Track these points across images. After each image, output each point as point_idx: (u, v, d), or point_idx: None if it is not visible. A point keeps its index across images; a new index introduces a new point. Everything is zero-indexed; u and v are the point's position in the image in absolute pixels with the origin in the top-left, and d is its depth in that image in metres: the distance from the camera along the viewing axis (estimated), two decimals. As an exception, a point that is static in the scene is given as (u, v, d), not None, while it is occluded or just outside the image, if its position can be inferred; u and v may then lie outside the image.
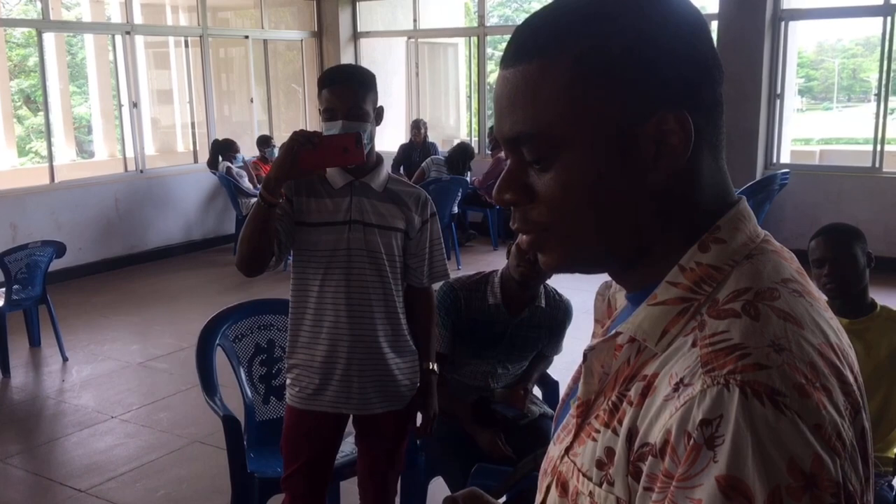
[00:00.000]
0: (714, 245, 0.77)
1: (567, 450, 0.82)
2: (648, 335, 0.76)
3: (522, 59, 0.77)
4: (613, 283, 0.88)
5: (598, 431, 0.77)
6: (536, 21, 0.78)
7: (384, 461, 2.66)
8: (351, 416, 2.61)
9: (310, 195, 2.46)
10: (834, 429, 0.66)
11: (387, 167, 2.59)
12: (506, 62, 0.79)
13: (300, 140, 2.24)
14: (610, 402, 0.77)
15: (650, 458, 0.69)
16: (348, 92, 2.39)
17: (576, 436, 0.81)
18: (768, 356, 0.67)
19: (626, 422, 0.74)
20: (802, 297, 0.75)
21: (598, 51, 0.75)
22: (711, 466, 0.64)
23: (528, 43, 0.77)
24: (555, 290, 3.07)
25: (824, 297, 0.82)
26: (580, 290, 3.23)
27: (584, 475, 0.78)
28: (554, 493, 0.83)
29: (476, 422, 2.92)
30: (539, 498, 0.87)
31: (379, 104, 2.49)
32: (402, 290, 2.57)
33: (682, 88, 0.76)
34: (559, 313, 3.03)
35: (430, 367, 2.63)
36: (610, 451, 0.75)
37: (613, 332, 0.80)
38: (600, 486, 0.75)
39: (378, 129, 2.52)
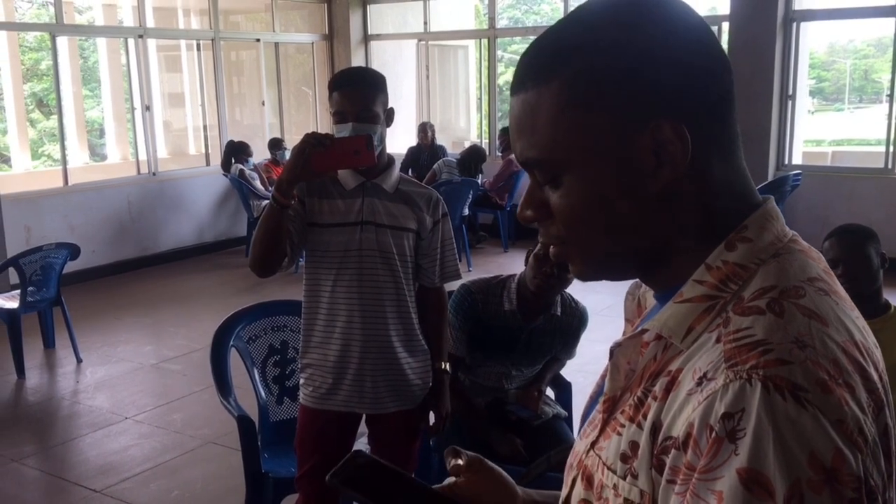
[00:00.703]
0: (741, 244, 0.78)
1: (593, 444, 0.83)
2: (674, 332, 0.77)
3: (522, 86, 0.81)
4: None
5: (623, 426, 0.78)
6: (534, 48, 0.82)
7: (397, 461, 2.66)
8: (364, 416, 2.62)
9: (322, 196, 2.48)
10: (856, 424, 0.67)
11: (398, 168, 2.60)
12: (512, 89, 0.83)
13: (311, 142, 2.26)
14: (636, 398, 0.78)
15: (673, 450, 0.71)
16: (358, 94, 2.41)
17: (601, 431, 0.83)
18: (791, 352, 0.68)
19: (650, 416, 0.75)
20: (828, 296, 0.76)
21: (587, 72, 0.77)
22: (733, 459, 0.65)
23: (526, 71, 0.81)
24: (571, 296, 3.07)
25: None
26: (594, 292, 3.23)
27: (608, 468, 0.79)
28: (579, 486, 0.84)
29: (491, 424, 2.93)
30: (565, 491, 0.88)
31: (389, 106, 2.50)
32: (414, 291, 2.58)
33: (679, 96, 0.77)
34: (574, 320, 3.04)
35: (443, 366, 2.64)
36: (634, 445, 0.76)
37: (640, 329, 0.81)
38: (624, 478, 0.77)
39: (388, 130, 2.53)
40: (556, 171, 0.80)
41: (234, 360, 3.16)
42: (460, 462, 1.05)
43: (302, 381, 2.59)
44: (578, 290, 3.18)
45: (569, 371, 3.32)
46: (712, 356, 0.72)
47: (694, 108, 0.77)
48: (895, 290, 3.85)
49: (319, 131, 2.37)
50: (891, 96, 7.71)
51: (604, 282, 0.88)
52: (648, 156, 0.76)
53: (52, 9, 7.81)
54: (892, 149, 7.67)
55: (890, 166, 7.69)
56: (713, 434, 0.67)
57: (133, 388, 5.15)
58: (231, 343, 3.16)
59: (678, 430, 0.70)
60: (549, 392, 3.27)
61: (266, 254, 2.40)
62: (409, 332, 2.56)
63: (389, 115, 2.50)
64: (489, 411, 3.00)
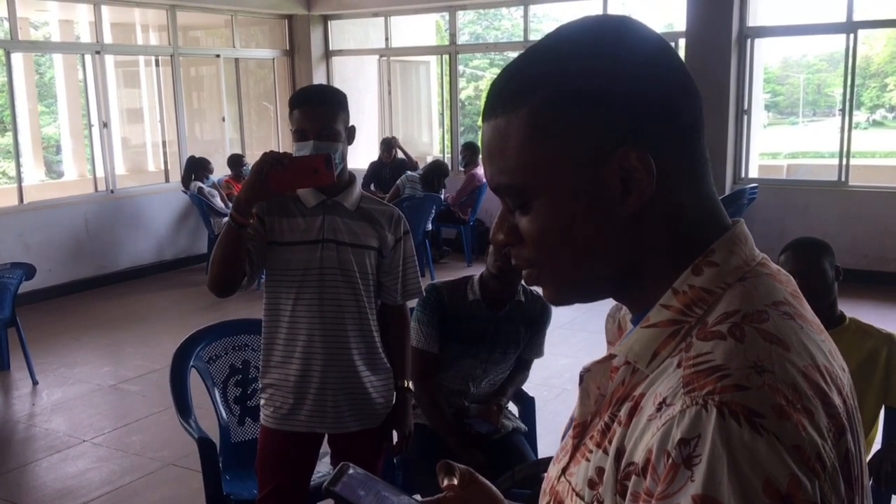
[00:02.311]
0: (707, 268, 0.78)
1: (564, 470, 0.83)
2: (639, 357, 0.77)
3: (493, 113, 0.82)
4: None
5: (591, 452, 0.79)
6: (504, 76, 0.82)
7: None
8: (326, 436, 2.59)
9: (282, 214, 2.46)
10: (814, 450, 0.67)
11: (359, 186, 2.60)
12: (483, 116, 0.84)
13: (269, 161, 2.24)
14: (603, 423, 0.79)
15: (634, 476, 0.71)
16: (319, 112, 2.40)
17: (572, 456, 0.83)
18: (749, 377, 0.68)
19: (615, 441, 0.75)
20: (793, 320, 0.76)
21: (554, 100, 0.78)
22: (689, 485, 0.65)
23: (497, 98, 0.82)
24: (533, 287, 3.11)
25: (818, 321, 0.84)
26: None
27: (577, 495, 0.79)
28: None
29: (458, 439, 2.92)
30: None
31: (351, 124, 2.50)
32: (376, 309, 2.57)
33: (645, 124, 0.77)
34: (537, 305, 3.08)
35: (405, 384, 2.63)
36: (600, 471, 0.76)
37: (608, 354, 0.82)
38: None
39: (351, 146, 2.53)
40: (524, 197, 0.81)
41: (195, 381, 3.12)
42: (454, 482, 1.04)
43: (262, 401, 2.56)
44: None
45: (532, 385, 3.33)
46: (672, 381, 0.72)
47: (660, 135, 0.78)
48: (850, 302, 3.93)
49: (281, 147, 2.36)
50: (843, 110, 7.89)
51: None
52: (616, 182, 0.77)
53: (6, 24, 7.69)
54: (845, 161, 7.83)
55: (843, 179, 7.86)
56: (670, 460, 0.67)
57: (91, 410, 5.05)
58: (191, 363, 3.12)
59: (639, 456, 0.71)
60: (513, 407, 3.28)
61: (224, 273, 2.37)
62: (371, 350, 2.55)
63: (351, 133, 2.49)
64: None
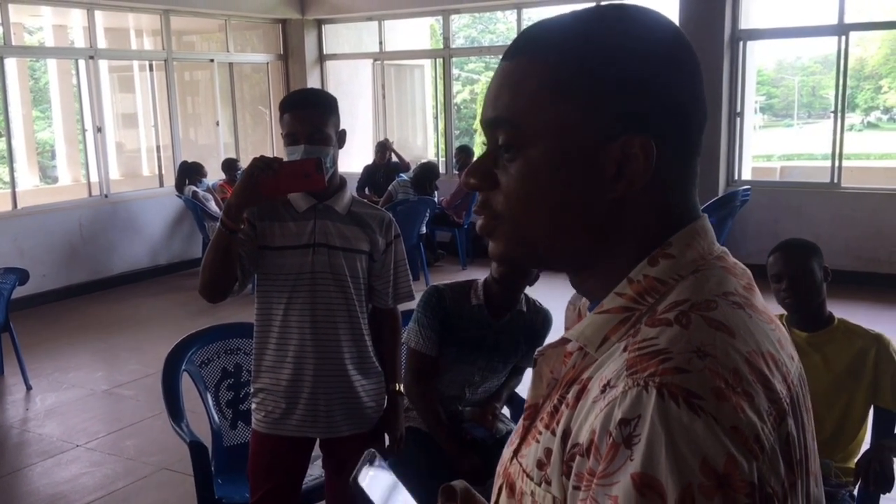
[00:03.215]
0: (663, 260, 0.80)
1: (515, 452, 0.85)
2: (589, 341, 0.79)
3: (518, 52, 0.82)
4: None
5: (540, 433, 0.80)
6: (543, 25, 0.84)
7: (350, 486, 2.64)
8: (317, 440, 2.60)
9: (273, 219, 2.46)
10: (752, 431, 0.68)
11: (351, 189, 2.60)
12: (504, 56, 0.84)
13: (260, 166, 2.24)
14: (552, 405, 0.80)
15: (578, 457, 0.72)
16: (310, 116, 2.40)
17: (523, 438, 0.84)
18: (690, 361, 0.70)
19: (562, 423, 0.76)
20: (742, 309, 0.77)
21: (574, 67, 0.79)
22: (628, 464, 0.67)
23: (528, 41, 0.83)
24: (536, 299, 3.11)
25: (773, 313, 0.85)
26: (558, 310, 3.28)
27: (527, 475, 0.80)
28: (504, 494, 0.85)
29: (453, 443, 2.92)
30: (493, 500, 0.89)
31: (341, 128, 2.50)
32: (368, 312, 2.58)
33: (654, 114, 0.79)
34: (538, 318, 3.07)
35: (397, 388, 2.64)
36: (548, 452, 0.78)
37: (561, 338, 0.83)
38: (539, 485, 0.78)
39: (344, 150, 2.53)
40: (518, 140, 0.81)
41: (188, 385, 3.12)
42: None
43: (254, 406, 2.56)
44: (545, 299, 3.20)
45: (526, 388, 3.33)
46: (617, 364, 0.74)
47: (665, 129, 0.79)
48: (841, 303, 3.95)
49: (276, 152, 2.36)
50: (836, 112, 7.92)
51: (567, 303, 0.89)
52: (611, 165, 0.78)
53: (0, 29, 7.69)
54: (837, 163, 7.86)
55: (836, 181, 7.88)
56: (611, 439, 0.68)
57: (84, 415, 5.05)
58: (183, 367, 3.12)
59: (583, 437, 0.72)
60: (505, 410, 3.28)
61: (215, 279, 2.37)
62: (363, 354, 2.55)
63: (341, 137, 2.49)
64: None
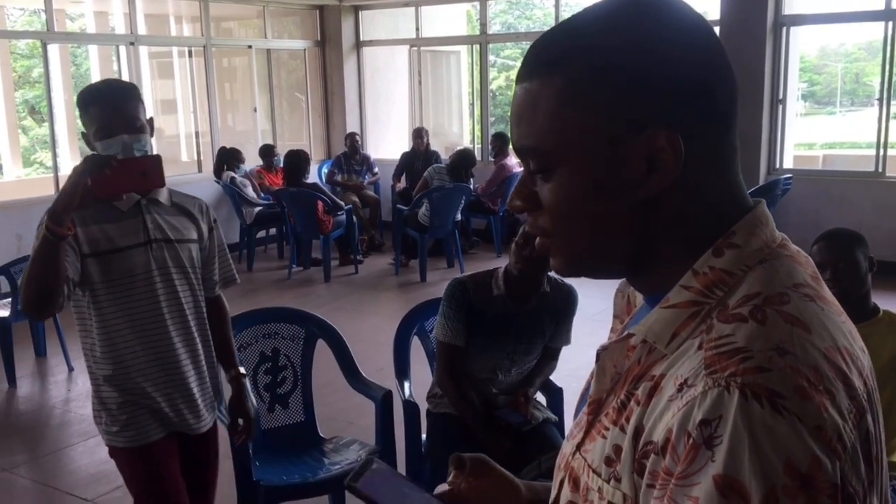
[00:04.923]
0: (728, 250, 0.78)
1: (579, 446, 0.84)
2: (658, 337, 0.78)
3: (528, 76, 0.82)
4: None
5: (607, 429, 0.79)
6: (544, 40, 0.82)
7: (213, 473, 2.60)
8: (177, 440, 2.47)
9: (97, 222, 2.27)
10: (835, 431, 0.67)
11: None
12: (517, 78, 0.84)
13: (93, 166, 2.02)
14: (619, 401, 0.79)
15: (653, 455, 0.71)
16: (124, 105, 2.24)
17: (587, 433, 0.83)
18: (770, 359, 0.69)
19: (632, 420, 0.75)
20: (814, 302, 0.76)
21: (591, 72, 0.78)
22: (709, 466, 0.66)
23: (535, 61, 0.82)
24: (557, 276, 3.11)
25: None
26: (585, 296, 3.25)
27: (594, 471, 0.80)
28: (567, 488, 0.85)
29: (487, 429, 2.93)
30: (553, 493, 0.89)
31: (151, 115, 2.36)
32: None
33: (679, 106, 0.77)
34: (562, 295, 3.08)
35: (237, 372, 2.59)
36: (617, 449, 0.77)
37: (626, 333, 0.82)
38: (608, 482, 0.77)
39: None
40: (547, 163, 0.81)
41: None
42: (459, 479, 1.05)
43: (116, 428, 2.35)
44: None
45: (560, 376, 3.32)
46: (693, 363, 0.72)
47: (692, 119, 0.78)
48: (886, 294, 3.87)
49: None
50: (881, 100, 7.75)
51: (595, 286, 0.89)
52: (640, 162, 0.77)
53: (43, 16, 7.81)
54: (882, 152, 7.70)
55: (881, 170, 7.73)
56: (690, 440, 0.67)
57: (125, 397, 5.13)
58: (222, 351, 3.15)
59: (658, 436, 0.71)
60: (540, 397, 3.28)
61: (46, 290, 2.11)
62: (206, 343, 2.48)
63: (152, 125, 2.33)
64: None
